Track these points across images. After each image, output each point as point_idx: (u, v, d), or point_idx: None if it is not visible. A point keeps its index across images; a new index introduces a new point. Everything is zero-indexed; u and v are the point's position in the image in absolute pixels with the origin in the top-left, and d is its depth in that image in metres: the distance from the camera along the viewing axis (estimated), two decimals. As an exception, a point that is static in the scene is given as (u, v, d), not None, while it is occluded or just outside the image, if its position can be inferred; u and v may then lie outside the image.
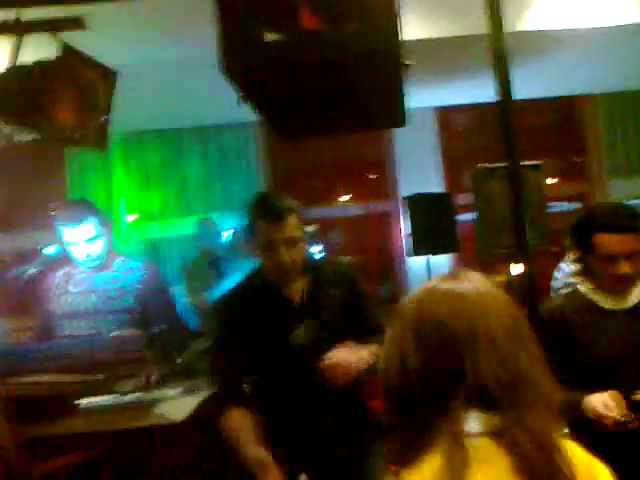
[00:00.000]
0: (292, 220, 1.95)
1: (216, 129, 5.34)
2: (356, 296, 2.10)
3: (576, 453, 1.01)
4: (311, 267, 2.09)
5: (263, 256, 2.00)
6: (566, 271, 3.64)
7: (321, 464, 2.01)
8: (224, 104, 4.02)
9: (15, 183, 5.02)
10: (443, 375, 0.99)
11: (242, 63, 1.24)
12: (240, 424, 1.94)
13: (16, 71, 1.44)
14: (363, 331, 2.07)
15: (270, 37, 1.25)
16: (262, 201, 2.03)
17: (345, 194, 6.18)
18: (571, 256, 3.27)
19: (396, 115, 1.61)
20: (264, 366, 2.02)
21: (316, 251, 4.89)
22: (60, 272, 2.80)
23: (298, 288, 2.05)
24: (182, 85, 4.11)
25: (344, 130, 1.89)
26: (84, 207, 2.77)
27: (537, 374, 1.04)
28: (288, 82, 1.33)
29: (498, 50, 1.63)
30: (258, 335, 2.01)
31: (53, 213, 2.70)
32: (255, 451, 1.84)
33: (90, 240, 2.69)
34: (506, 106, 1.54)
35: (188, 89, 4.19)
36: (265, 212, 1.95)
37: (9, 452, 1.69)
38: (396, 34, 1.26)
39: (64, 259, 2.80)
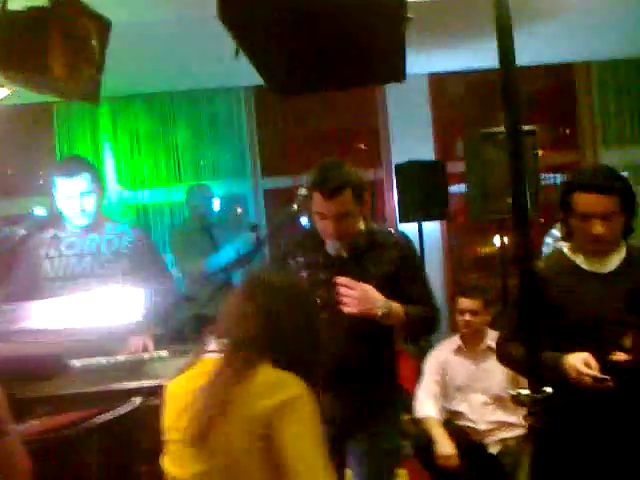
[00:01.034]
0: (347, 194, 2.00)
1: (207, 93, 5.26)
2: (403, 268, 2.12)
3: (269, 372, 1.53)
4: (366, 232, 2.13)
5: (316, 222, 2.09)
6: (556, 236, 3.65)
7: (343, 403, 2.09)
8: (216, 68, 3.97)
9: (2, 148, 4.93)
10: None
11: (241, 11, 1.20)
12: None
13: (6, 17, 1.39)
14: (401, 300, 2.10)
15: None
16: (321, 171, 2.06)
17: (337, 161, 6.13)
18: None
19: (397, 70, 1.58)
20: None
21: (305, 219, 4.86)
22: (48, 234, 2.77)
23: (347, 247, 2.12)
24: (173, 47, 4.02)
25: (344, 85, 1.86)
26: (80, 161, 2.78)
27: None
28: (287, 33, 1.30)
29: (502, 15, 1.59)
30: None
31: (45, 171, 2.68)
32: None
33: (85, 194, 2.67)
34: (508, 71, 1.52)
35: (179, 51, 4.10)
36: (321, 185, 2.00)
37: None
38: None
39: (53, 221, 2.77)
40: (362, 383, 2.14)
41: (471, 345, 3.26)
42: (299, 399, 1.49)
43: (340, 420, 2.10)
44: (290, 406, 1.47)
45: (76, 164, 2.76)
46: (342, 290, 1.99)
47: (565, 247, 2.15)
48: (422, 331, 2.31)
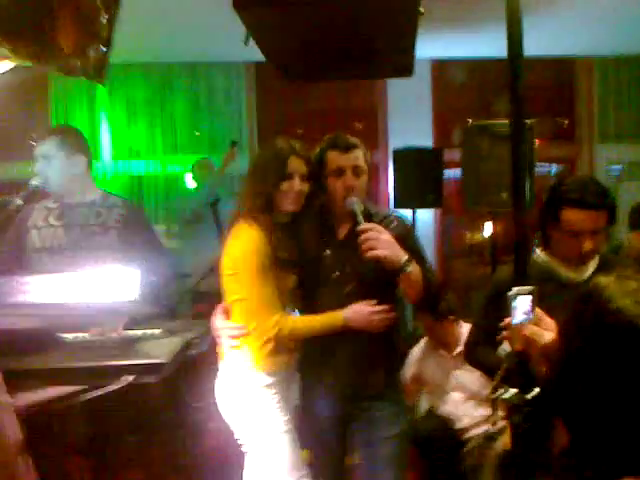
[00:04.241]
0: (359, 152, 2.17)
1: (207, 67, 5.20)
2: (403, 248, 2.10)
3: None
4: (365, 213, 2.14)
5: (330, 184, 2.16)
6: None
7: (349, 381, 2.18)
8: (216, 41, 3.92)
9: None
10: None
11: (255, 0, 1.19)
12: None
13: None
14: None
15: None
16: (333, 136, 2.21)
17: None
18: None
19: (407, 64, 1.57)
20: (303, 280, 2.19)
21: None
22: (40, 204, 2.74)
23: (348, 228, 2.17)
24: (173, 18, 3.97)
25: (352, 76, 1.85)
26: (74, 137, 2.70)
27: None
28: (300, 22, 1.28)
29: (512, 4, 1.58)
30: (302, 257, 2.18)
31: (35, 142, 2.63)
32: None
33: (72, 171, 2.63)
34: (516, 63, 1.51)
35: (179, 23, 4.05)
36: (336, 143, 2.16)
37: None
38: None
39: (46, 191, 2.73)
40: (369, 362, 2.18)
41: (446, 347, 3.28)
42: None
43: (344, 400, 2.15)
44: None
45: (62, 139, 2.66)
46: (369, 234, 2.00)
47: (541, 254, 2.15)
48: (435, 296, 2.28)
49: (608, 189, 2.05)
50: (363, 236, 2.00)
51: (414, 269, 2.05)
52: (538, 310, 1.64)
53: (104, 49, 1.58)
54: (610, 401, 1.57)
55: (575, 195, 1.98)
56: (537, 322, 1.63)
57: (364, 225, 2.02)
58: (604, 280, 1.39)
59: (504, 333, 1.65)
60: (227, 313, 2.18)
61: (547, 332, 1.61)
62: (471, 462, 3.04)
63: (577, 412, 1.45)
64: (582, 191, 1.98)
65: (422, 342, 3.43)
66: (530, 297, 1.61)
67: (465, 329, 3.24)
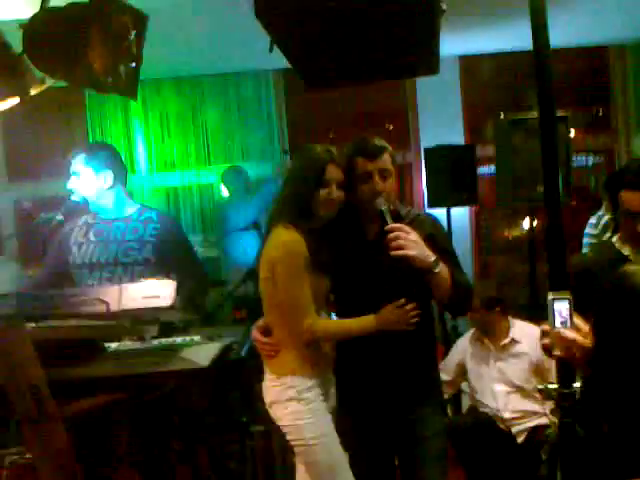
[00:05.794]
0: (386, 156, 2.17)
1: (236, 77, 5.27)
2: (433, 247, 2.09)
3: None
4: (395, 214, 2.15)
5: (358, 189, 2.16)
6: (592, 224, 3.63)
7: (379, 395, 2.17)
8: (242, 50, 3.96)
9: (36, 131, 5.01)
10: None
11: (277, 7, 1.21)
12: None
13: (48, 14, 1.42)
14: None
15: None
16: (360, 140, 2.23)
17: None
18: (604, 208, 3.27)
19: (430, 62, 1.57)
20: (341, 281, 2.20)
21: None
22: (80, 220, 2.81)
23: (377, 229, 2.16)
24: (201, 31, 4.04)
25: (375, 78, 1.86)
26: (102, 153, 2.76)
27: None
28: (322, 27, 1.30)
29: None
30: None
31: (72, 160, 2.70)
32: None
33: (107, 189, 2.70)
34: (543, 54, 1.50)
35: (207, 35, 4.11)
36: (362, 149, 2.17)
37: (42, 392, 1.74)
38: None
39: (86, 207, 2.81)
40: (407, 363, 2.18)
41: (492, 337, 3.26)
42: None
43: (383, 402, 2.16)
44: None
45: (98, 158, 2.73)
46: (398, 234, 2.00)
47: (614, 238, 2.13)
48: (465, 300, 2.26)
49: None
50: (390, 235, 2.00)
51: (442, 269, 2.05)
52: (576, 316, 1.60)
53: (134, 65, 1.62)
54: None
55: (632, 177, 1.97)
56: (577, 328, 1.60)
57: (391, 225, 2.03)
58: (631, 268, 1.37)
59: (544, 340, 1.61)
60: (266, 331, 2.19)
61: (586, 338, 1.57)
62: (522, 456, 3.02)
63: (617, 402, 1.43)
64: (637, 172, 1.97)
65: (468, 333, 3.43)
66: (567, 302, 1.58)
67: (512, 323, 3.23)
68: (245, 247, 4.47)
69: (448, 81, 4.98)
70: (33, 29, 1.48)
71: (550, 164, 1.69)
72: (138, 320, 2.25)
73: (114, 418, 2.09)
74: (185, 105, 5.33)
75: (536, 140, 3.63)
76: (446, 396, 3.30)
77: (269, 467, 2.75)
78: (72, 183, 2.72)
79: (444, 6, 1.37)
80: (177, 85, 5.30)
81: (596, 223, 3.60)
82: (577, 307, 1.56)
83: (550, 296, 1.57)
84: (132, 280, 2.52)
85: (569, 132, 3.68)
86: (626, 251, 2.06)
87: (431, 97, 5.06)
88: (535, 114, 3.67)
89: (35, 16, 1.60)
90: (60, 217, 2.70)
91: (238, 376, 2.57)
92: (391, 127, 5.80)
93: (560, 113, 3.44)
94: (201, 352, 2.20)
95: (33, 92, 1.80)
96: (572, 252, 2.94)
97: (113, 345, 2.24)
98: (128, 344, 2.29)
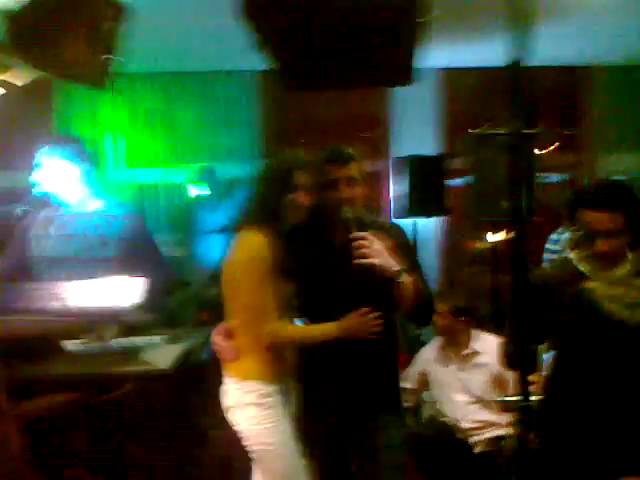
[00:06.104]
0: (354, 165, 2.19)
1: (212, 76, 5.22)
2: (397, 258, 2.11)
3: None
4: (359, 223, 2.15)
5: (326, 196, 2.17)
6: (555, 240, 3.69)
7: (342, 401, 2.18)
8: (222, 49, 3.92)
9: (2, 123, 4.87)
10: None
11: (261, 6, 1.19)
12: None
13: (32, 5, 1.38)
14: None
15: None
16: (331, 148, 2.24)
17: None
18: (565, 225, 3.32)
19: (407, 73, 1.58)
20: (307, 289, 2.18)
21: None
22: (42, 214, 2.75)
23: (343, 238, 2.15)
24: (179, 27, 3.99)
25: (353, 85, 1.86)
26: (68, 147, 2.71)
27: None
28: (304, 31, 1.29)
29: (517, 12, 1.57)
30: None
31: (37, 152, 2.65)
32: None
33: (72, 183, 2.65)
34: (517, 72, 1.51)
35: (186, 32, 4.07)
36: (333, 155, 2.18)
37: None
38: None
39: (49, 200, 2.75)
40: (368, 371, 2.19)
41: (455, 346, 3.29)
42: None
43: (344, 409, 2.16)
44: None
45: (65, 149, 2.70)
46: (362, 242, 2.02)
47: (572, 255, 2.15)
48: (427, 310, 2.30)
49: (629, 189, 2.02)
50: (354, 244, 2.02)
51: (406, 279, 2.06)
52: None
53: (107, 57, 1.59)
54: (602, 395, 1.57)
55: (587, 196, 1.99)
56: None
57: (356, 234, 2.04)
58: (591, 284, 1.40)
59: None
60: (228, 334, 2.17)
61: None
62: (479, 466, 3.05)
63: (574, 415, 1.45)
64: (595, 192, 1.99)
65: (433, 342, 3.45)
66: None
67: (475, 335, 3.26)
68: (215, 249, 4.43)
69: (424, 92, 5.03)
70: (18, 21, 1.44)
71: (516, 180, 1.71)
72: (97, 319, 2.21)
73: (69, 418, 2.04)
74: (158, 101, 5.26)
75: (504, 156, 3.69)
76: (410, 404, 3.32)
77: (227, 472, 2.72)
78: (35, 175, 2.66)
79: (431, 18, 1.38)
80: (150, 80, 5.22)
81: (557, 239, 3.67)
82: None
83: None
84: (93, 277, 2.46)
85: (533, 150, 3.73)
86: (583, 268, 2.08)
87: (406, 107, 5.09)
88: (504, 130, 3.74)
89: (21, 9, 1.55)
90: (22, 210, 2.63)
91: (199, 380, 2.54)
92: (364, 135, 5.81)
93: (529, 130, 3.49)
94: (162, 354, 2.17)
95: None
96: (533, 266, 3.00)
97: (70, 344, 2.19)
98: (87, 343, 2.24)
